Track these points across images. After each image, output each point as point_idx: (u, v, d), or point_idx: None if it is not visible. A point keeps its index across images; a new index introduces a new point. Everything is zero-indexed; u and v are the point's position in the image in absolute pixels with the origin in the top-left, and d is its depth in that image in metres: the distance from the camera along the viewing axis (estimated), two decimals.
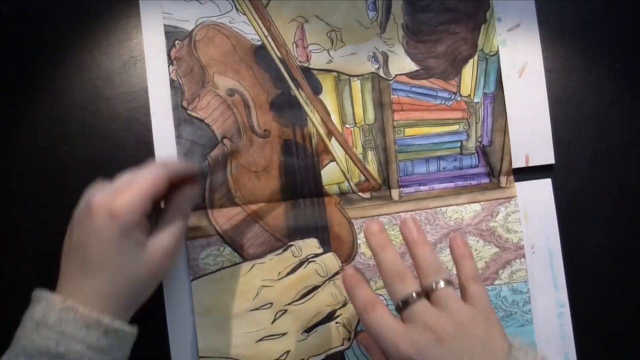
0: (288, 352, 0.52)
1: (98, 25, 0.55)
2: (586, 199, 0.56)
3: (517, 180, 0.55)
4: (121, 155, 0.54)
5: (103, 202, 0.42)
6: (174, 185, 0.48)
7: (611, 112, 0.57)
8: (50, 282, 0.52)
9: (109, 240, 0.42)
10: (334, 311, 0.53)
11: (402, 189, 0.54)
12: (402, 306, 0.44)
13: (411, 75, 0.55)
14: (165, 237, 0.46)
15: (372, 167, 0.54)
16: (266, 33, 0.54)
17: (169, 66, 0.53)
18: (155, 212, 0.48)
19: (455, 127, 0.55)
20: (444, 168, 0.55)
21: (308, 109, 0.54)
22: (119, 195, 0.43)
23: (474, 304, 0.44)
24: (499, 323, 0.45)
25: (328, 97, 0.54)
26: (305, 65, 0.54)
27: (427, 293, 0.45)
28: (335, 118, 0.54)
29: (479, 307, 0.44)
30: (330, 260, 0.53)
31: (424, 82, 0.55)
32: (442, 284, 0.44)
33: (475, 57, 0.55)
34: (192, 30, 0.53)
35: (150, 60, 0.54)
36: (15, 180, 0.54)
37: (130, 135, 0.54)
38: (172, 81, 0.53)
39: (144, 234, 0.45)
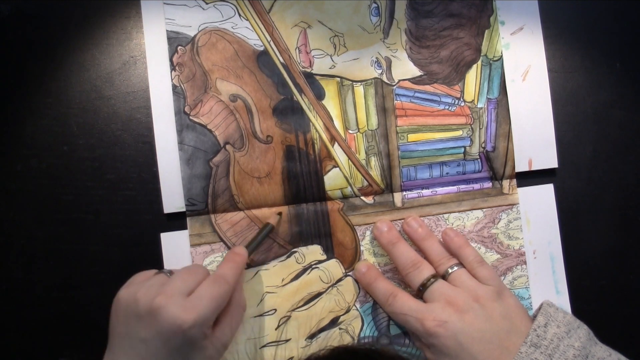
0: (292, 358, 0.52)
1: (98, 25, 0.54)
2: (588, 202, 0.56)
3: (519, 184, 0.55)
4: (121, 155, 0.54)
5: (173, 310, 0.42)
6: None
7: (611, 112, 0.57)
8: (49, 282, 0.53)
9: (176, 347, 0.42)
10: (338, 317, 0.53)
11: (404, 192, 0.55)
12: (422, 289, 0.48)
13: (414, 80, 0.55)
14: (224, 335, 0.46)
15: (375, 172, 0.54)
16: (269, 38, 0.54)
17: (171, 72, 0.53)
18: None
19: (458, 133, 0.55)
20: (447, 173, 0.55)
21: (311, 114, 0.54)
22: (188, 308, 0.42)
23: (486, 283, 0.48)
24: (513, 296, 0.49)
25: (331, 103, 0.54)
26: (308, 70, 0.54)
27: (442, 278, 0.49)
28: (338, 124, 0.54)
29: (492, 284, 0.48)
30: (334, 267, 0.54)
31: (428, 88, 0.55)
32: (455, 267, 0.49)
33: (479, 63, 0.55)
34: (195, 35, 0.53)
35: (152, 66, 0.53)
36: (15, 180, 0.53)
37: (130, 135, 0.54)
38: (174, 87, 0.53)
39: (204, 335, 0.44)
